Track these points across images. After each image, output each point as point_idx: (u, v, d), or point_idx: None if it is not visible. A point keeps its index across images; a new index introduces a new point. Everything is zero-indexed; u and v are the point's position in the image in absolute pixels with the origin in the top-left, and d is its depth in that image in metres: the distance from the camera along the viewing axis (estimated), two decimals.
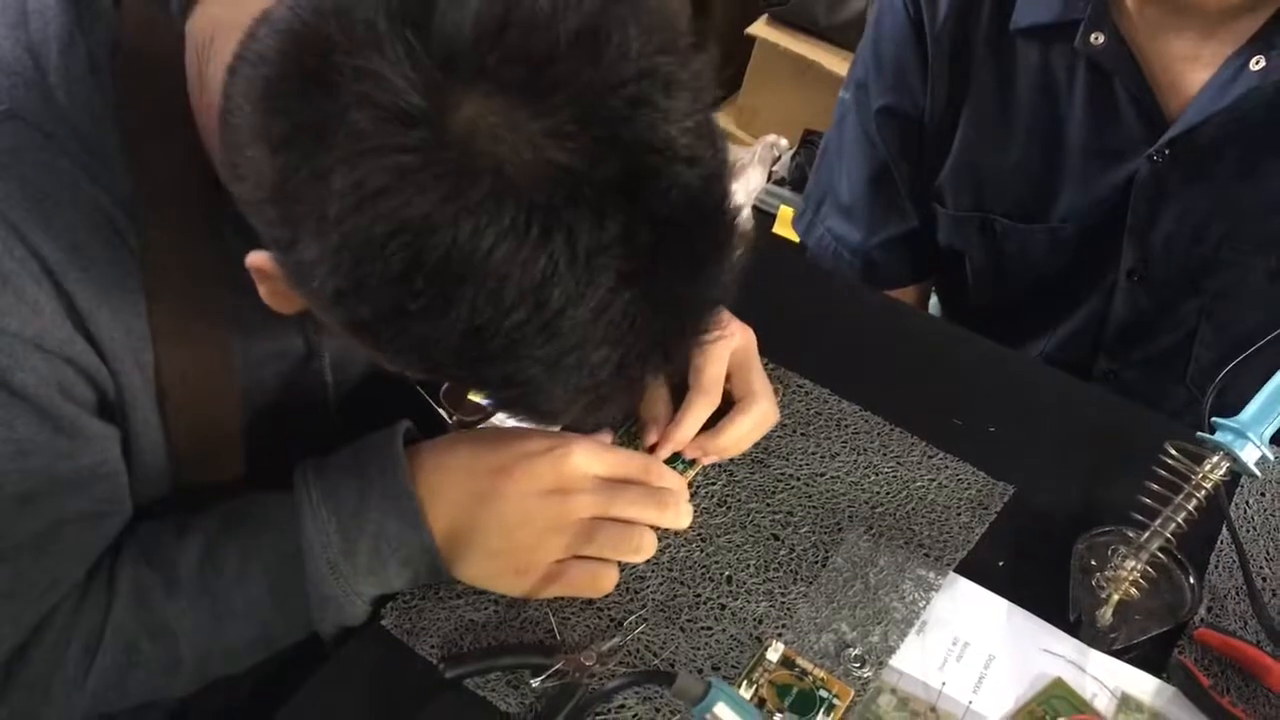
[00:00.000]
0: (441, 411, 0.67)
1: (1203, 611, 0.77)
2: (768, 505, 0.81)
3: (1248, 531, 0.83)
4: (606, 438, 0.78)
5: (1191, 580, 0.77)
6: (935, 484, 0.84)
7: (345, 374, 0.82)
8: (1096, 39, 0.94)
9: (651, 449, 0.80)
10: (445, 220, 0.48)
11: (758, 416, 0.80)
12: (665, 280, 0.52)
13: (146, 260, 0.66)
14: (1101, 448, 0.87)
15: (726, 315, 0.81)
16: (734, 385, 0.80)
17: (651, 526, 0.74)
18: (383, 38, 0.48)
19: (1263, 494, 0.86)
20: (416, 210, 0.48)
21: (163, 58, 0.64)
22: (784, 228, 2.00)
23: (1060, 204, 1.04)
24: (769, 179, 2.09)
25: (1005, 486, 0.84)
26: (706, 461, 0.82)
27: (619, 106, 0.49)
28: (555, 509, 0.70)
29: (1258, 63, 0.91)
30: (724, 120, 2.33)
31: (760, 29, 2.16)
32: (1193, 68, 0.94)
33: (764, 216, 2.07)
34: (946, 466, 0.85)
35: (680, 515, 0.75)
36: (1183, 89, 0.95)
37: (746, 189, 2.10)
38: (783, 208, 2.01)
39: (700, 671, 0.70)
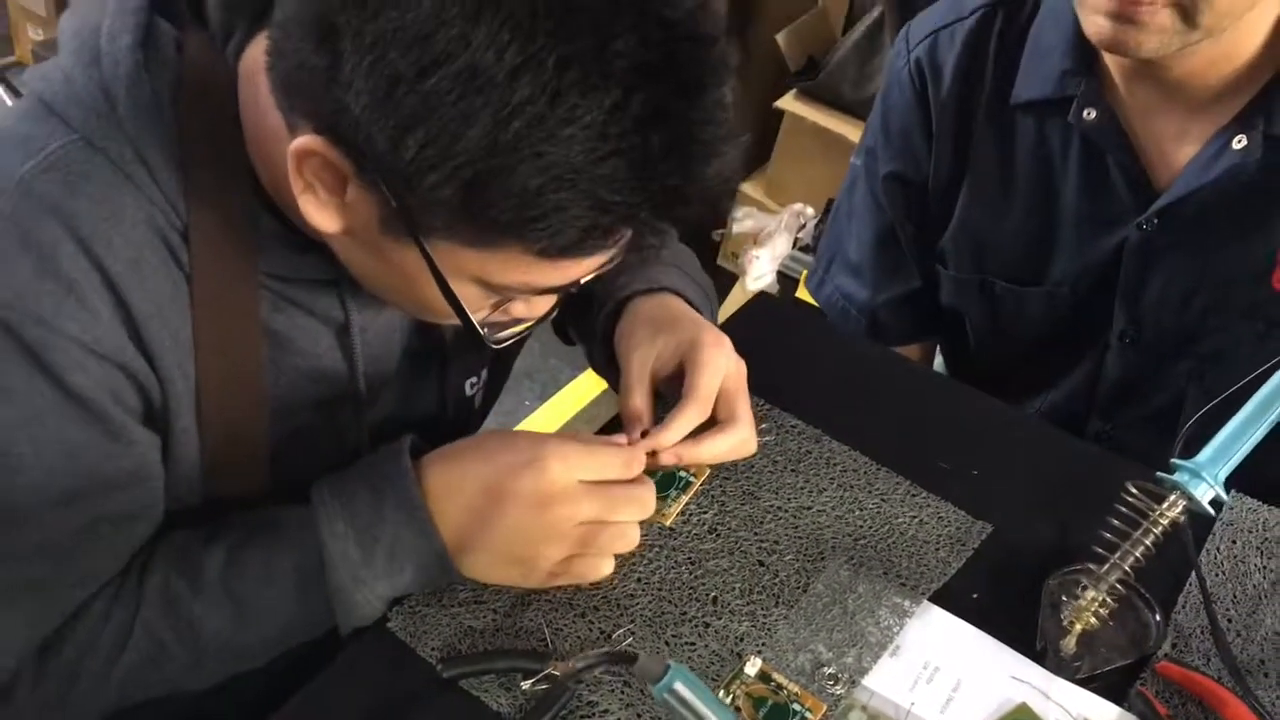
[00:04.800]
0: (483, 332, 0.72)
1: (1167, 647, 0.81)
2: (755, 534, 0.86)
3: (1217, 576, 0.87)
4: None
5: (1157, 618, 0.81)
6: (917, 520, 0.88)
7: (378, 394, 0.88)
8: (1090, 114, 1.00)
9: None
10: (461, 16, 0.56)
11: (736, 440, 0.84)
12: (673, 90, 0.59)
13: (195, 278, 0.73)
14: (1079, 493, 0.91)
15: (726, 339, 0.86)
16: (720, 407, 0.84)
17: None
18: None
19: (1233, 541, 0.89)
20: (434, 1, 0.57)
21: (218, 95, 0.72)
22: (807, 292, 2.06)
23: (1055, 268, 1.10)
24: (794, 245, 2.16)
25: (983, 525, 0.88)
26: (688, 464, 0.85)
27: None
28: (546, 523, 0.74)
29: (1239, 141, 0.96)
30: (754, 190, 2.41)
31: (788, 103, 2.24)
32: (1180, 144, 1.00)
33: (788, 281, 2.13)
34: (928, 505, 0.89)
35: (654, 503, 0.79)
36: (1171, 163, 1.01)
37: (773, 254, 2.17)
38: (806, 273, 2.07)
39: None
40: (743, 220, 2.31)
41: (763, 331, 1.06)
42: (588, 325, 0.94)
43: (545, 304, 0.76)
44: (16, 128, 0.71)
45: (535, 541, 0.75)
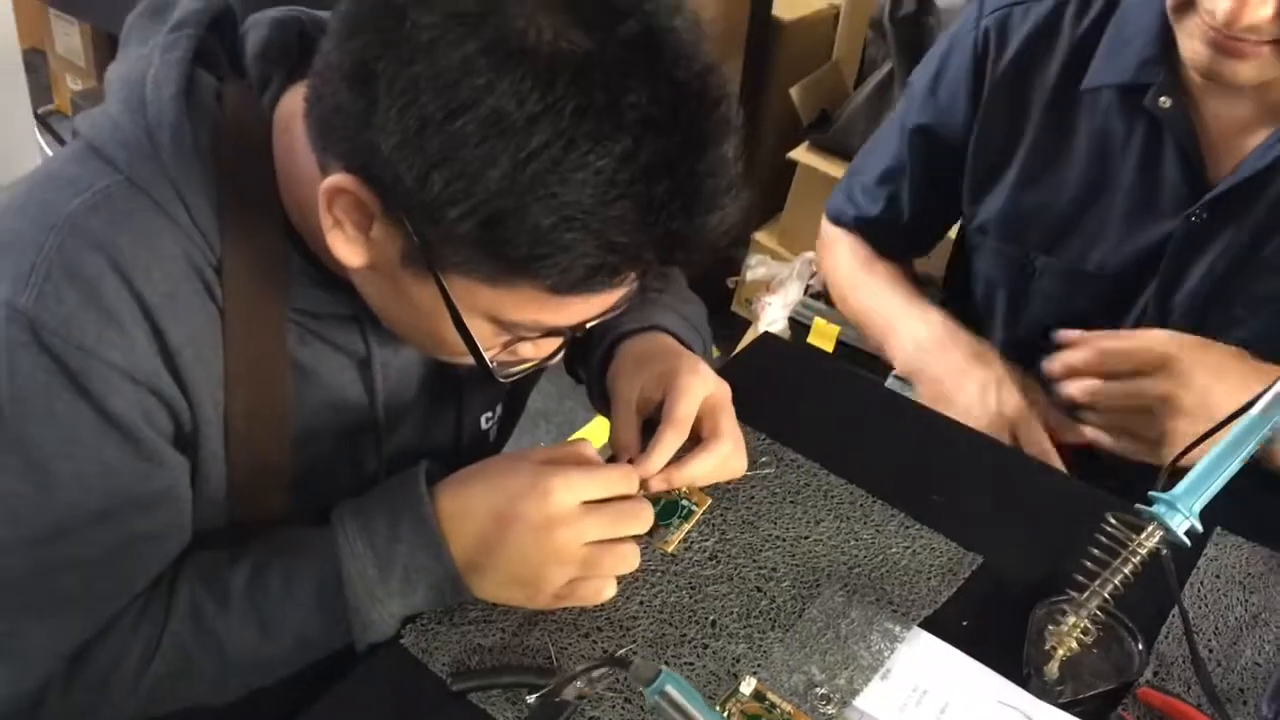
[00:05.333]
0: (492, 368, 0.76)
1: (1149, 675, 0.84)
2: (754, 561, 0.90)
3: (1201, 608, 0.90)
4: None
5: (1140, 646, 0.84)
6: (910, 551, 0.92)
7: (396, 426, 0.92)
8: (1165, 103, 1.05)
9: None
10: (488, 66, 0.62)
11: (719, 457, 0.88)
12: (679, 143, 0.64)
13: (228, 312, 0.78)
14: (1068, 528, 0.94)
15: (704, 365, 0.90)
16: (703, 427, 0.89)
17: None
18: None
19: (1217, 576, 0.93)
20: (464, 53, 0.62)
21: (253, 141, 0.77)
22: (817, 337, 2.10)
23: (1097, 252, 1.14)
24: (805, 292, 2.20)
25: (974, 557, 0.92)
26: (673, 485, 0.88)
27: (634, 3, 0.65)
28: (551, 546, 0.78)
29: None
30: (767, 239, 2.47)
31: (801, 154, 2.30)
32: (1243, 137, 1.05)
33: (799, 327, 2.18)
34: (921, 536, 0.93)
35: (652, 518, 0.82)
36: (1232, 154, 1.06)
37: (785, 301, 2.22)
38: (817, 319, 2.12)
39: None
40: (756, 268, 2.36)
41: (766, 370, 1.11)
42: (589, 366, 0.99)
43: (551, 345, 0.80)
44: (66, 169, 0.77)
45: (540, 564, 0.79)
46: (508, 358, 0.79)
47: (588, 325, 0.75)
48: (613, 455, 0.91)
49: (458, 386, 0.95)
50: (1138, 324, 1.14)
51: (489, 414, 0.99)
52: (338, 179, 0.69)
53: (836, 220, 1.36)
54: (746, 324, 2.38)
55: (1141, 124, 1.08)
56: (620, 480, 0.81)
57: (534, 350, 0.80)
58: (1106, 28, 1.09)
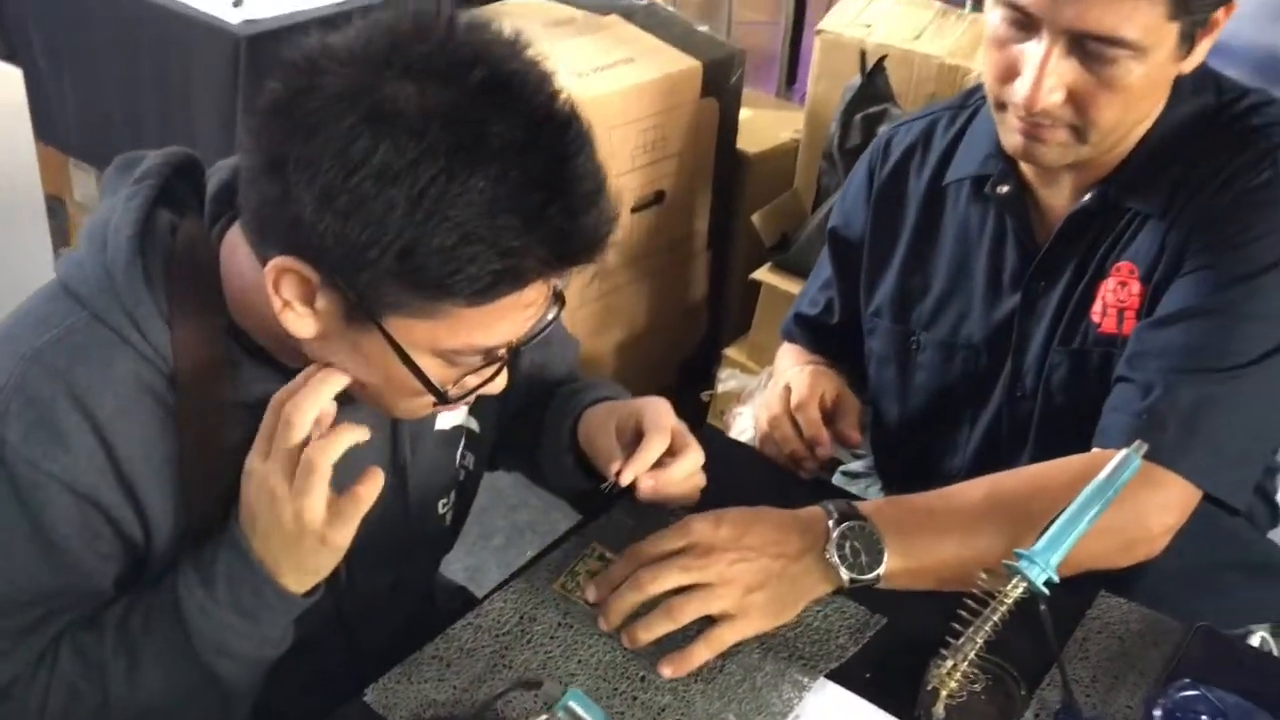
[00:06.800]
0: (446, 391, 0.87)
1: (1029, 717, 0.94)
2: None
3: (1083, 660, 1.01)
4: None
5: (1023, 691, 0.95)
6: (822, 614, 1.03)
7: None
8: (1002, 189, 1.23)
9: (617, 476, 1.00)
10: (370, 133, 0.76)
11: (694, 463, 1.03)
12: (544, 160, 0.78)
13: (180, 413, 0.89)
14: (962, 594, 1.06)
15: (666, 401, 1.05)
16: (674, 443, 1.03)
17: None
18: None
19: (1099, 632, 1.04)
20: (348, 124, 0.76)
21: (203, 265, 0.90)
22: None
23: (966, 327, 1.30)
24: None
25: (879, 618, 1.03)
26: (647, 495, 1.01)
27: (478, 49, 0.79)
28: (262, 498, 0.86)
29: (1088, 195, 1.18)
30: (737, 353, 2.61)
31: (764, 274, 2.46)
32: (1065, 211, 1.21)
33: None
34: (832, 601, 1.04)
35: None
36: (1053, 228, 1.22)
37: (754, 411, 2.35)
38: None
39: None
40: (728, 380, 2.50)
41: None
42: (556, 441, 1.12)
43: (492, 369, 0.89)
44: (41, 306, 0.91)
45: (275, 514, 0.86)
46: (458, 392, 0.89)
47: (517, 344, 0.87)
48: (603, 480, 1.03)
49: (404, 474, 1.04)
50: (1004, 390, 1.27)
51: (444, 500, 1.11)
52: (278, 260, 0.82)
53: (787, 337, 1.53)
54: (720, 435, 2.50)
55: (991, 211, 1.26)
56: (274, 415, 0.87)
57: (478, 379, 0.90)
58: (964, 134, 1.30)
